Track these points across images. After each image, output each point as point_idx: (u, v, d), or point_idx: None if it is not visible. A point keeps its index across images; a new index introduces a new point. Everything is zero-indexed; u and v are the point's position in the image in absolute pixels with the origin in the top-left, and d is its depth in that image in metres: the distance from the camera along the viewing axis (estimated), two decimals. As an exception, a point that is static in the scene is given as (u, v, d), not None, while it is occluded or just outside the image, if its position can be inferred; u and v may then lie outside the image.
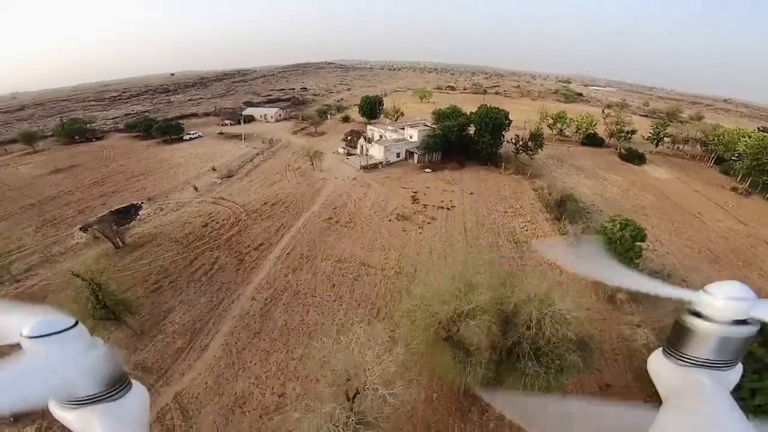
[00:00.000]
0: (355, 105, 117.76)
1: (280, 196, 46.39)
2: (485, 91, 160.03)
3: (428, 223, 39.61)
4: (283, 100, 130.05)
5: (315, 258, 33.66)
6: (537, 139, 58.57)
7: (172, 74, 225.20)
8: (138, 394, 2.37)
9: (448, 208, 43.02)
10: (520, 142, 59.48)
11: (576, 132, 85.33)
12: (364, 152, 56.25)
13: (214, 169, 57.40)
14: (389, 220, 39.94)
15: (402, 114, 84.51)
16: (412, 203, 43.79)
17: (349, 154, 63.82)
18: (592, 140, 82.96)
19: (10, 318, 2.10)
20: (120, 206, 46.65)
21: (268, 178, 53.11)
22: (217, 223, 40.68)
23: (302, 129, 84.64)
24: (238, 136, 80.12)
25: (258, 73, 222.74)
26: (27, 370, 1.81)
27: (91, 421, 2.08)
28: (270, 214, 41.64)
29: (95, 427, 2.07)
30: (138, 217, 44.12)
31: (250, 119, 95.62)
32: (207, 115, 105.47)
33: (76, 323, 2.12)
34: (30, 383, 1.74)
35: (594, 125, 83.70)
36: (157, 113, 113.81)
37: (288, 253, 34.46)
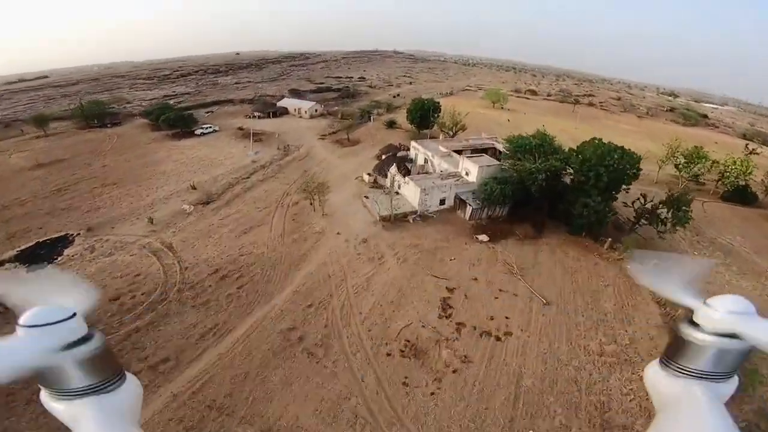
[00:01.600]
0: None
1: (246, 258, 31.41)
2: (576, 101, 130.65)
3: (454, 372, 21.83)
4: (333, 90, 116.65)
5: (227, 421, 18.35)
6: (679, 205, 35.06)
7: (237, 53, 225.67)
8: (131, 386, 2.38)
9: (499, 338, 24.49)
10: (646, 205, 37.22)
11: (719, 181, 58.93)
12: (394, 187, 39.02)
13: (193, 188, 44.54)
14: (388, 354, 22.77)
15: (463, 127, 64.98)
16: (440, 316, 25.85)
17: (375, 183, 47.04)
18: (740, 195, 56.43)
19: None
20: (44, 239, 35.39)
21: (248, 217, 38.62)
22: (134, 297, 26.95)
23: (335, 132, 69.49)
24: (260, 135, 67.69)
25: (322, 57, 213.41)
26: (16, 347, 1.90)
27: (83, 413, 2.08)
28: (211, 297, 26.85)
29: (87, 419, 2.06)
30: (56, 259, 32.50)
31: (282, 112, 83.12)
32: (243, 102, 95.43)
33: (74, 315, 2.14)
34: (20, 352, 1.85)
35: (749, 173, 56.85)
36: (197, 96, 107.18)
37: (185, 402, 19.46)
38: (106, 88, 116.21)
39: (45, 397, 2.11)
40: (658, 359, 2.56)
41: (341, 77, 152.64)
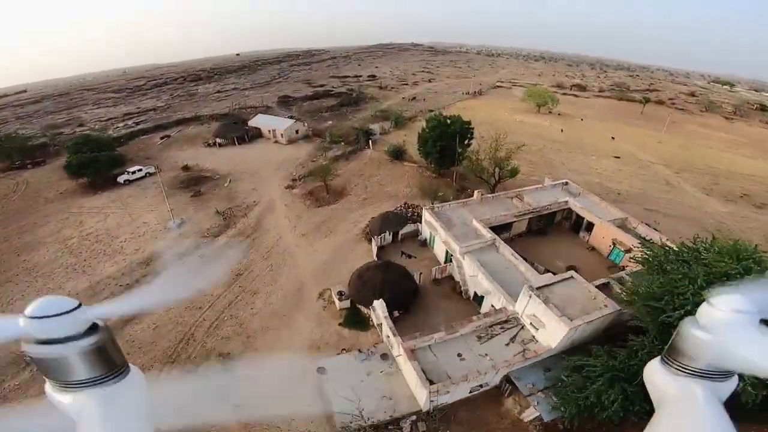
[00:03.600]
0: (430, 111, 76.42)
1: None
2: (646, 100, 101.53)
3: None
4: (333, 95, 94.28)
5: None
6: None
7: (238, 54, 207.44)
8: (135, 378, 2.37)
9: None
10: None
11: None
12: (392, 351, 16.66)
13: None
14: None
15: (515, 171, 39.95)
16: None
17: (350, 317, 24.69)
18: None
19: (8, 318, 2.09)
20: None
21: None
22: None
23: (310, 174, 47.05)
24: (205, 179, 46.66)
25: (329, 54, 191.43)
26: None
27: (88, 405, 2.08)
28: None
29: (91, 411, 2.07)
30: None
31: (254, 134, 61.57)
32: (213, 119, 74.72)
33: (79, 305, 2.15)
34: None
35: None
36: (165, 111, 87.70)
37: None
38: (69, 105, 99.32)
39: (49, 388, 2.12)
40: (659, 357, 2.58)
41: (348, 77, 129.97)
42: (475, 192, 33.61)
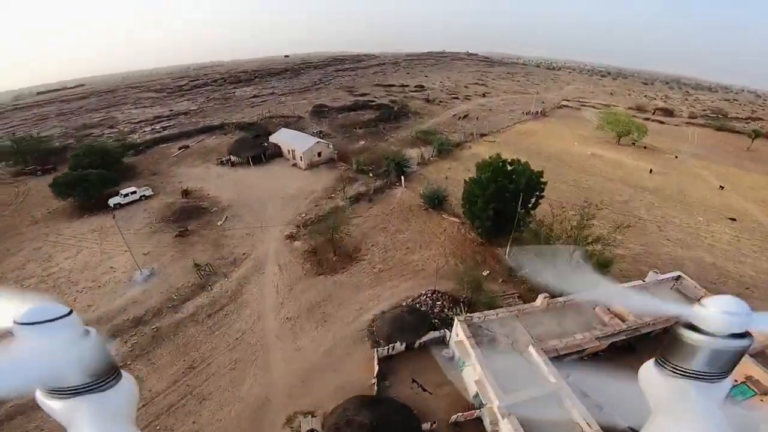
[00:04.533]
0: (483, 137, 66.01)
1: None
2: (756, 134, 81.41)
3: None
4: (372, 106, 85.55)
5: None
6: None
7: (286, 56, 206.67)
8: (127, 385, 2.35)
9: None
10: None
11: None
12: None
13: None
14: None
15: (608, 262, 27.34)
16: None
17: None
18: None
19: (3, 305, 2.07)
20: None
21: None
22: None
23: (315, 222, 37.94)
24: (200, 212, 39.49)
25: (378, 60, 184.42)
26: (17, 358, 1.82)
27: (79, 412, 2.07)
28: None
29: (82, 418, 2.06)
30: None
31: (273, 153, 54.02)
32: (239, 128, 68.85)
33: (70, 312, 2.14)
34: (20, 371, 1.77)
35: None
36: (197, 115, 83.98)
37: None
38: (110, 103, 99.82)
39: (40, 395, 2.08)
40: (653, 359, 2.60)
41: (393, 86, 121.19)
42: (540, 297, 22.31)
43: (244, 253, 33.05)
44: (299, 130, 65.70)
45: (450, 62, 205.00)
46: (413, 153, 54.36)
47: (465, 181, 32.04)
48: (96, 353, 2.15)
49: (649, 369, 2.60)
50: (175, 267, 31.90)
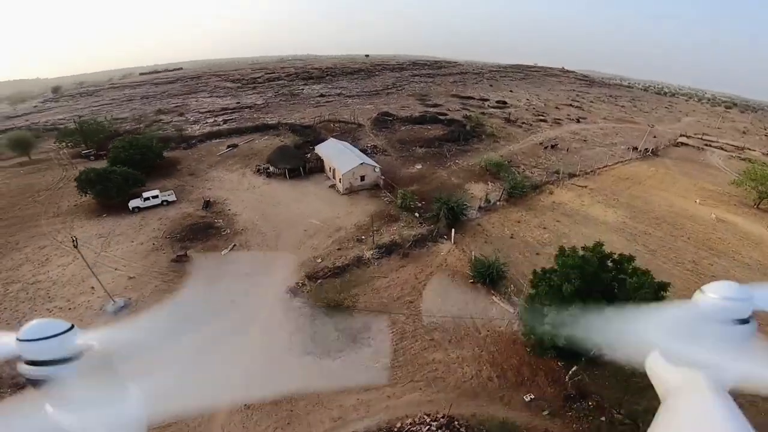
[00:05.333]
0: (571, 178, 54.30)
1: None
2: None
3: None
4: (442, 121, 75.96)
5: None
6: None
7: (367, 56, 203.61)
8: (134, 396, 2.39)
9: None
10: None
11: None
12: None
13: None
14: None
15: None
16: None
17: None
18: None
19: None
20: None
21: None
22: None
23: (327, 276, 30.04)
24: (210, 230, 34.33)
25: (460, 68, 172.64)
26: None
27: (89, 425, 2.10)
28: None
29: (92, 429, 2.10)
30: None
31: (314, 166, 47.64)
32: (293, 130, 64.36)
33: (72, 327, 2.21)
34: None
35: None
36: (261, 110, 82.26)
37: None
38: (191, 90, 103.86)
39: (49, 409, 2.11)
40: (659, 350, 2.59)
41: (471, 98, 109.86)
42: None
43: (232, 300, 26.43)
44: (354, 141, 59.13)
45: (541, 78, 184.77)
46: (477, 190, 44.06)
47: (534, 273, 21.52)
48: (99, 368, 2.16)
49: (656, 359, 2.58)
50: (153, 302, 26.31)
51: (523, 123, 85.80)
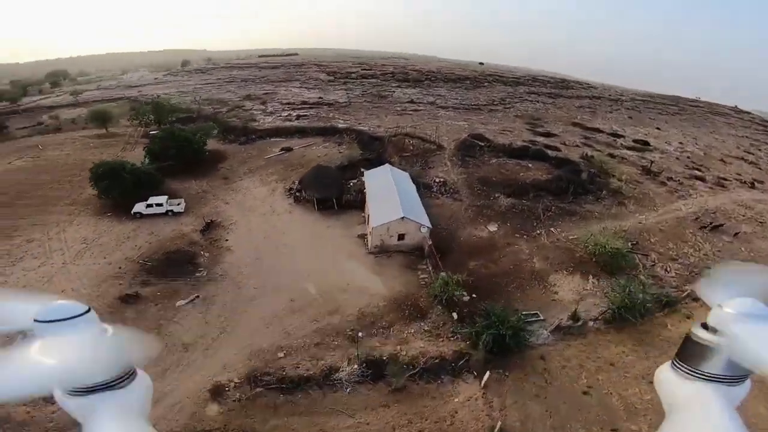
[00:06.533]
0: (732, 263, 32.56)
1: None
2: None
3: None
4: (548, 159, 59.27)
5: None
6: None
7: (481, 63, 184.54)
8: (142, 382, 2.40)
9: None
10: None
11: None
12: None
13: None
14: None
15: None
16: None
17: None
18: None
19: (22, 305, 2.21)
20: None
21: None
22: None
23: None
24: (188, 264, 27.65)
25: (593, 91, 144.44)
26: (36, 359, 1.89)
27: (95, 409, 2.11)
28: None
29: (99, 415, 2.10)
30: None
31: (353, 199, 37.89)
32: (359, 140, 56.07)
33: (88, 310, 2.24)
34: (39, 371, 1.85)
35: None
36: (342, 108, 76.22)
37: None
38: (287, 78, 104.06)
39: (58, 393, 2.13)
40: (669, 362, 2.58)
41: (599, 131, 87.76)
42: None
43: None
44: (423, 169, 48.38)
45: (703, 115, 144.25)
46: (566, 290, 29.07)
47: None
48: (113, 351, 2.17)
49: (665, 371, 2.57)
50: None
51: (670, 178, 62.93)
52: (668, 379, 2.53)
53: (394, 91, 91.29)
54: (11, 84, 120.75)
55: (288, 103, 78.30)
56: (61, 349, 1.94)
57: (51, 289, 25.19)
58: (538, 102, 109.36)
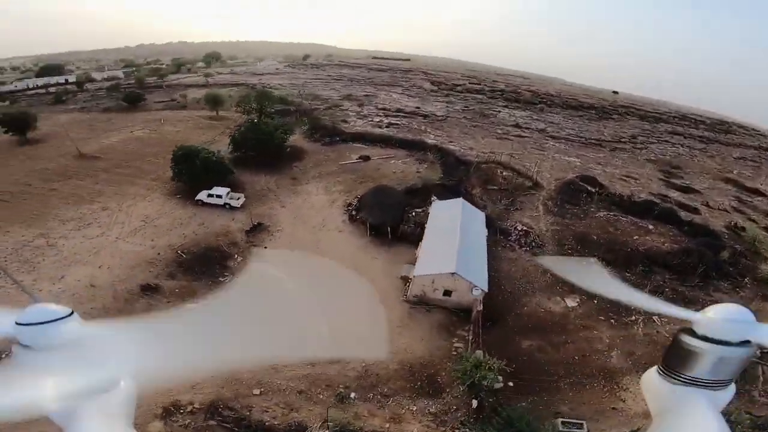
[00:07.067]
0: None
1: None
2: None
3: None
4: (679, 223, 45.90)
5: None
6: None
7: (615, 92, 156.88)
8: (125, 387, 2.36)
9: None
10: None
11: None
12: None
13: None
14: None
15: None
16: None
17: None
18: None
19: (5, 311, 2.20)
20: None
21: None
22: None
23: None
24: (212, 270, 27.06)
25: (759, 140, 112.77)
26: (23, 381, 1.90)
27: (77, 413, 2.07)
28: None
29: (81, 419, 2.07)
30: None
31: (412, 232, 33.07)
32: (440, 159, 51.09)
33: (71, 313, 2.23)
34: (26, 392, 1.84)
35: None
36: (431, 125, 71.93)
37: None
38: (391, 82, 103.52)
39: (39, 394, 2.06)
40: (655, 367, 2.62)
41: (761, 194, 67.32)
42: None
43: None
44: (507, 210, 41.59)
45: None
46: (636, 399, 19.97)
47: None
48: (95, 355, 2.14)
49: (651, 376, 2.63)
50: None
51: None
52: (655, 384, 2.57)
53: (499, 111, 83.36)
54: (172, 61, 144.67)
55: (383, 109, 76.88)
56: (45, 356, 1.93)
57: (94, 262, 26.20)
58: (682, 145, 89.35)
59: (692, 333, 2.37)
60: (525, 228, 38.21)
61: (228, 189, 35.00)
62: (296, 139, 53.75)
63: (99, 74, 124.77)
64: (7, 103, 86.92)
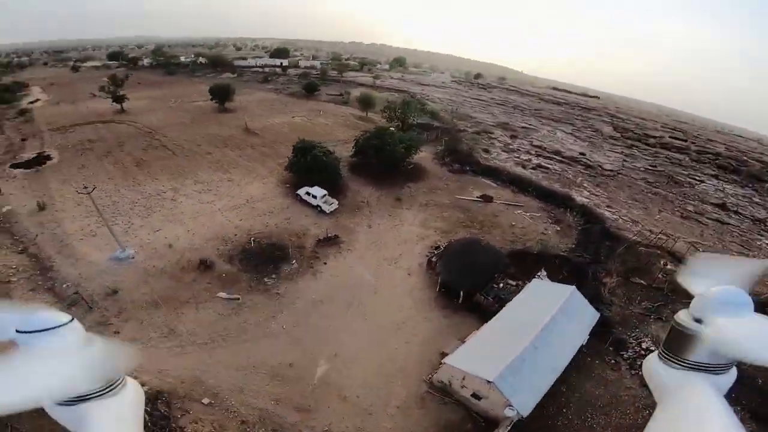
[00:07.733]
0: None
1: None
2: None
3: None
4: None
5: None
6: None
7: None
8: (132, 390, 2.38)
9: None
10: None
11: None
12: None
13: None
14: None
15: None
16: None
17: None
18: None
19: (4, 315, 2.15)
20: None
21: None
22: None
23: None
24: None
25: None
26: (22, 370, 1.86)
27: (85, 418, 2.07)
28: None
29: (90, 424, 2.06)
30: None
31: (488, 303, 26.57)
32: (585, 230, 40.75)
33: (71, 320, 2.21)
34: (26, 383, 1.80)
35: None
36: (592, 177, 58.96)
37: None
38: (558, 118, 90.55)
39: (47, 404, 2.06)
40: (656, 352, 2.62)
41: None
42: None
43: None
44: (647, 318, 30.50)
45: None
46: None
47: None
48: (101, 360, 2.13)
49: (653, 362, 2.60)
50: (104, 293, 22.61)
51: None
52: (656, 369, 2.54)
53: (702, 182, 62.47)
54: (360, 61, 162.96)
55: (538, 146, 67.43)
56: (44, 360, 1.92)
57: (188, 225, 29.58)
58: None
59: (689, 316, 2.33)
60: (654, 347, 26.34)
61: (325, 192, 35.30)
62: (424, 157, 51.50)
63: (304, 62, 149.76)
64: (235, 75, 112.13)
